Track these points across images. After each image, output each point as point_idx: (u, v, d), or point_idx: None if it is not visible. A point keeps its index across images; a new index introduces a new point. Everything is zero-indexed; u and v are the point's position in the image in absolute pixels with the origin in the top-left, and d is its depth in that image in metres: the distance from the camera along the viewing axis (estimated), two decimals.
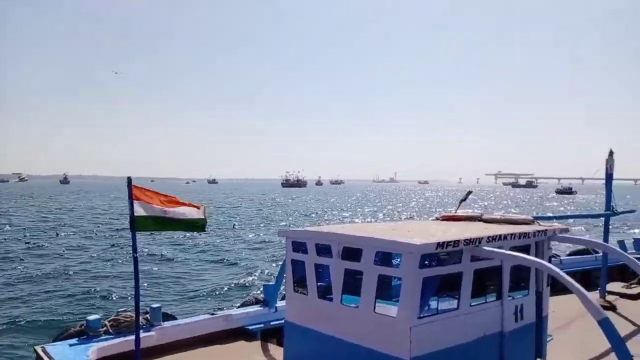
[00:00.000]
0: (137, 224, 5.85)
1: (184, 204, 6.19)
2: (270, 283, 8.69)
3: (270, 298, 8.11)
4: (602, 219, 11.13)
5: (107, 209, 60.25)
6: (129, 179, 5.80)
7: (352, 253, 5.50)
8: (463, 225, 6.71)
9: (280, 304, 7.98)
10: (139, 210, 5.84)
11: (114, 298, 16.08)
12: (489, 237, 5.56)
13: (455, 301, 5.45)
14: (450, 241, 5.10)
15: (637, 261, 6.77)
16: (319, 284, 5.98)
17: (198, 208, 6.23)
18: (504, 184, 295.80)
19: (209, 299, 16.45)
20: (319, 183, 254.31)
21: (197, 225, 6.23)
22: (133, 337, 6.18)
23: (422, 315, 5.09)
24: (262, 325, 7.84)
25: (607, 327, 4.65)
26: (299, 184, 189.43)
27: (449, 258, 5.45)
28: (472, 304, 5.56)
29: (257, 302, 8.35)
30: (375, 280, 5.24)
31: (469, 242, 5.31)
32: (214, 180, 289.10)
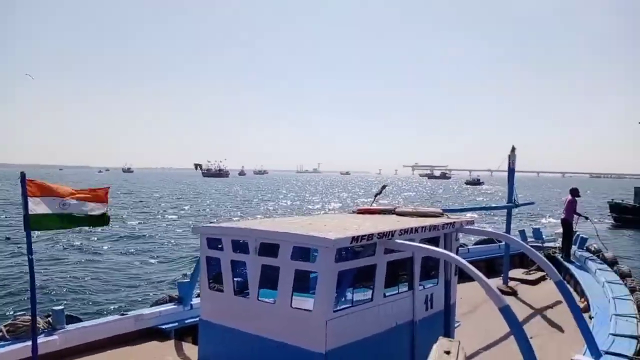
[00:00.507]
0: (32, 223, 5.40)
1: (86, 197, 5.80)
2: (186, 280, 8.45)
3: (185, 295, 7.86)
4: (506, 210, 11.96)
5: (7, 201, 55.36)
6: (22, 175, 5.35)
7: (269, 249, 5.47)
8: (377, 219, 6.90)
9: (195, 301, 7.77)
10: (35, 208, 5.38)
11: (15, 301, 14.76)
12: (401, 230, 5.78)
13: (370, 293, 5.61)
14: (365, 235, 5.24)
15: (533, 249, 7.33)
16: (235, 280, 5.89)
17: (102, 198, 5.89)
18: (420, 175, 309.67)
19: (119, 298, 15.60)
20: (242, 173, 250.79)
21: (100, 220, 5.89)
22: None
23: (337, 309, 5.19)
24: (176, 324, 7.60)
25: (507, 314, 4.98)
26: (221, 173, 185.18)
27: (364, 251, 5.59)
28: (386, 295, 5.76)
29: (171, 300, 8.07)
30: (292, 276, 5.25)
31: (383, 235, 5.48)
32: (130, 168, 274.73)
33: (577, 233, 13.07)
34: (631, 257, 25.89)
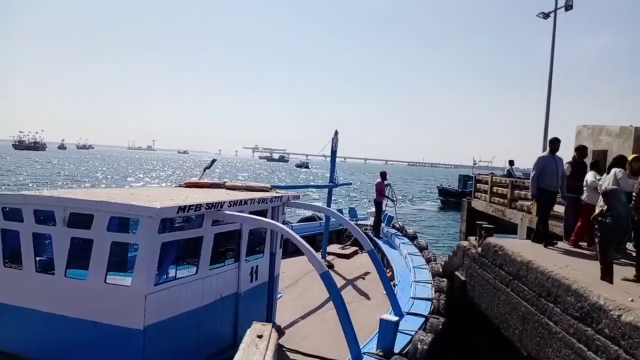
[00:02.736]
0: None
1: None
2: None
3: None
4: (327, 189, 13.06)
5: None
6: None
7: (81, 219, 4.96)
8: (206, 192, 6.77)
9: None
10: None
11: None
12: (230, 201, 5.76)
13: (195, 266, 5.49)
14: (192, 205, 5.08)
15: (350, 222, 8.13)
16: (37, 257, 5.24)
17: None
18: (260, 157, 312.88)
19: None
20: (62, 147, 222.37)
21: None
22: None
23: (158, 282, 4.95)
24: None
25: (327, 279, 5.36)
26: (37, 146, 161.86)
27: (190, 222, 5.44)
28: (211, 267, 5.68)
29: None
30: (108, 249, 4.87)
31: (211, 206, 5.38)
32: None
33: (385, 212, 14.70)
34: (448, 230, 30.33)
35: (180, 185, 7.67)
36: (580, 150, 9.43)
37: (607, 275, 5.93)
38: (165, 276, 5.21)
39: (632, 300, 4.95)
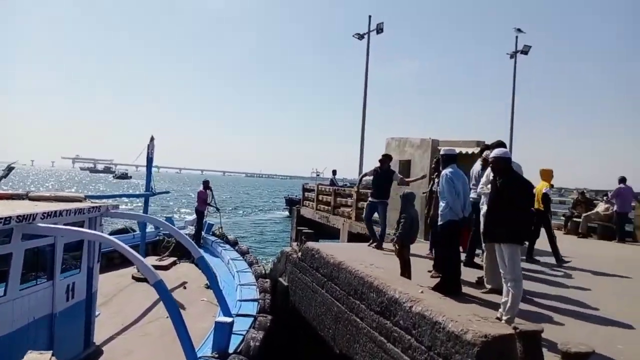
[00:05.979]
0: None
1: None
2: None
3: None
4: (145, 198, 12.50)
5: None
6: None
7: None
8: (8, 204, 6.01)
9: None
10: None
11: None
12: (44, 213, 5.28)
13: (2, 287, 4.92)
14: (1, 218, 4.54)
15: (178, 230, 8.08)
16: None
17: None
18: (82, 168, 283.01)
19: None
20: None
21: None
22: None
23: None
24: None
25: (160, 288, 5.37)
26: None
27: None
28: (22, 288, 5.15)
29: None
30: None
31: (22, 218, 4.88)
32: None
33: (206, 220, 14.73)
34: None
35: None
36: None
37: (405, 271, 6.50)
38: None
39: (422, 292, 5.47)
